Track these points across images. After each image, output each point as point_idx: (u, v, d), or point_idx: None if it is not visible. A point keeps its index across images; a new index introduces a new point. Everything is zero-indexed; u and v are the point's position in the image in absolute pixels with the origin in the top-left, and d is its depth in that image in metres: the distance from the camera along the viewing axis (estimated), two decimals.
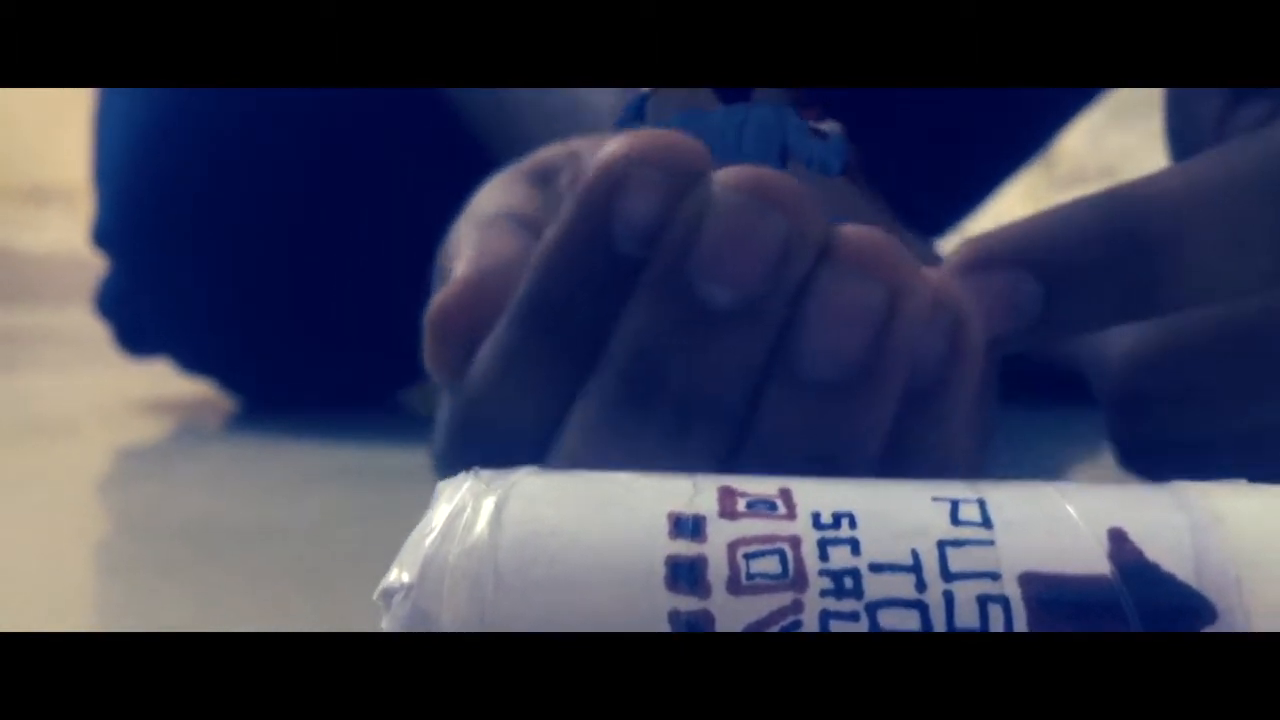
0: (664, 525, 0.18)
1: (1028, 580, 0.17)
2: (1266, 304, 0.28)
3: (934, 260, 0.35)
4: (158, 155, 0.67)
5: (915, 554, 0.18)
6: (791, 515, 0.18)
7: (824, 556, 0.18)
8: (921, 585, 0.17)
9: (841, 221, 0.23)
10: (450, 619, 0.17)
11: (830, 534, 0.18)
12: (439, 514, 0.18)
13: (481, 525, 0.18)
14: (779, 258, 0.22)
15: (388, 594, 0.18)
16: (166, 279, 0.69)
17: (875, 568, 0.17)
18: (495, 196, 0.29)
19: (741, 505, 0.18)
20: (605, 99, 0.43)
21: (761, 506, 0.18)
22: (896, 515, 0.18)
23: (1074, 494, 0.19)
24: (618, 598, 0.17)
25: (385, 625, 0.18)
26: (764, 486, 0.19)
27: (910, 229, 0.36)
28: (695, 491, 0.19)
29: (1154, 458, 0.32)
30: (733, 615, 0.17)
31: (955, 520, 0.18)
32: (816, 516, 0.18)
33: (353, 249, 0.68)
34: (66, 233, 1.81)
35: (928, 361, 0.23)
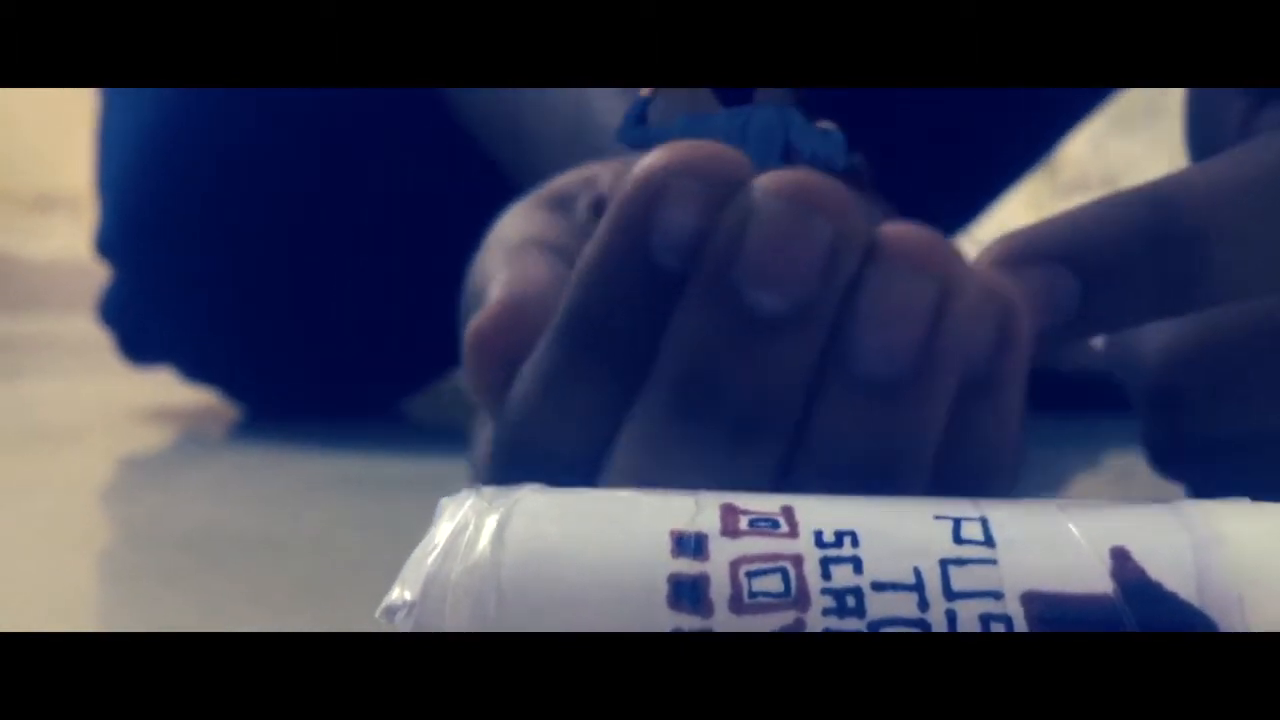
0: (666, 543, 0.18)
1: (1030, 599, 0.17)
2: None
3: None
4: (160, 164, 0.67)
5: (918, 572, 0.18)
6: (794, 533, 0.18)
7: (826, 575, 0.18)
8: (924, 604, 0.17)
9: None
10: None
11: (833, 552, 0.18)
12: (441, 531, 0.19)
13: (484, 543, 0.18)
14: (826, 261, 0.22)
15: (390, 611, 0.18)
16: (170, 287, 0.70)
17: (878, 586, 0.17)
18: (518, 225, 0.29)
19: (744, 523, 0.18)
20: (605, 99, 0.43)
21: (764, 524, 0.18)
22: (899, 533, 0.18)
23: (1076, 512, 0.19)
24: (620, 616, 0.17)
25: None
26: (766, 504, 0.19)
27: None
28: (697, 509, 0.19)
29: (1186, 458, 0.32)
30: None
31: (958, 539, 0.18)
32: (819, 535, 0.18)
33: (355, 258, 0.69)
34: (71, 240, 1.81)
35: (980, 354, 0.23)
